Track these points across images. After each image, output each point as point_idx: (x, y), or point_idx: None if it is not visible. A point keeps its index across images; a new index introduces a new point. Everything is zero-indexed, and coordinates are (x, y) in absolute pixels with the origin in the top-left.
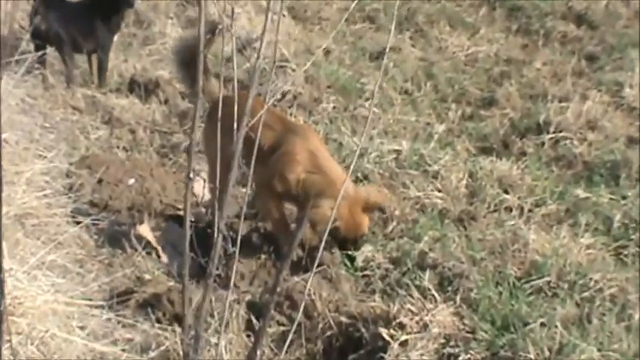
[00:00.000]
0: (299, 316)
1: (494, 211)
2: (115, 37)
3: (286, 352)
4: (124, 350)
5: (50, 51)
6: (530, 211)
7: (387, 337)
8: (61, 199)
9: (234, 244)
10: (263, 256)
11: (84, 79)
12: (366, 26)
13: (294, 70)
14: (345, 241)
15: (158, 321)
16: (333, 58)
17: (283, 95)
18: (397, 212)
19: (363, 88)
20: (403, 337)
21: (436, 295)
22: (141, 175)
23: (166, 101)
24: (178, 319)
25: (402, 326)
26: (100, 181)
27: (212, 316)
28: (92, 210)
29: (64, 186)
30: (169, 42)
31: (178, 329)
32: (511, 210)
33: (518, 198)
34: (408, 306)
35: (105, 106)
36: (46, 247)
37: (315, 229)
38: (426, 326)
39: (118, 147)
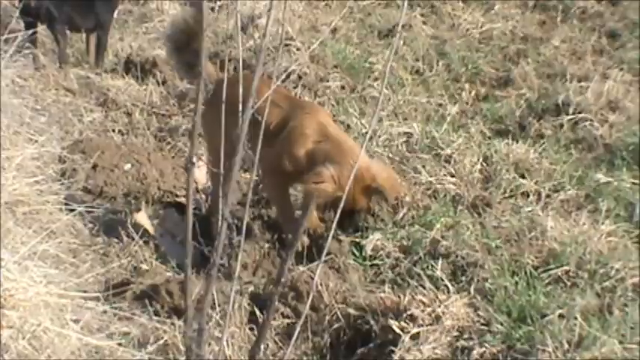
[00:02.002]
0: (306, 308)
1: (511, 196)
2: (115, 14)
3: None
4: (120, 344)
5: (41, 29)
6: (548, 196)
7: (398, 330)
8: (53, 185)
9: (238, 232)
10: (267, 245)
11: (77, 58)
12: (375, 2)
13: (298, 49)
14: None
15: (156, 313)
16: (340, 36)
17: (288, 75)
18: (408, 198)
19: (372, 68)
20: (414, 330)
21: (449, 285)
22: (137, 160)
23: (164, 82)
24: (177, 311)
25: (413, 318)
26: (94, 166)
27: (213, 308)
28: (86, 197)
29: (57, 172)
30: (167, 19)
31: (178, 322)
32: (528, 195)
33: (536, 183)
34: (420, 297)
35: (99, 87)
36: (38, 236)
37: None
38: (438, 318)
39: (113, 130)
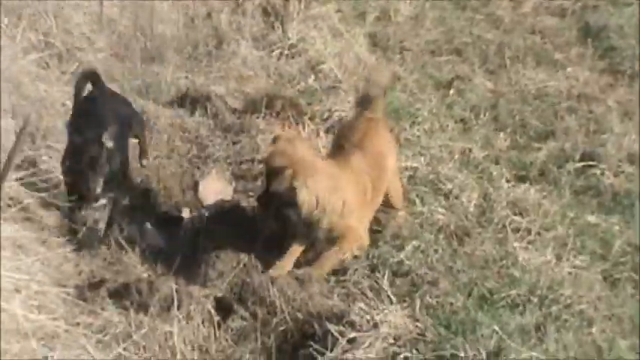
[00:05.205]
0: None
1: (500, 231)
2: None
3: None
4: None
5: None
6: (538, 234)
7: (336, 334)
8: None
9: None
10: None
11: None
12: (452, 59)
13: (345, 92)
14: None
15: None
16: (400, 84)
17: (329, 115)
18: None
19: (416, 114)
20: (352, 335)
21: (391, 296)
22: (147, 175)
23: (215, 115)
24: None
25: (352, 324)
26: None
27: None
28: None
29: None
30: (238, 61)
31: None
32: (518, 231)
33: (528, 221)
34: (361, 305)
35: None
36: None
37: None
38: (376, 325)
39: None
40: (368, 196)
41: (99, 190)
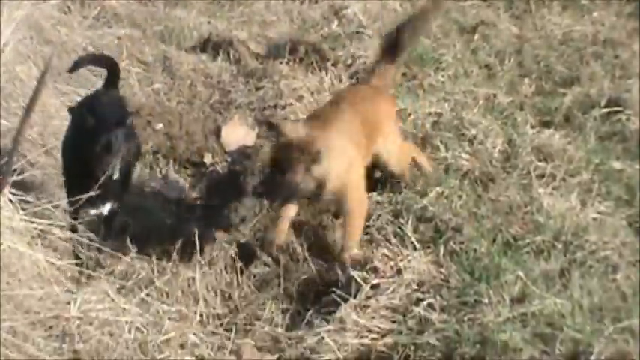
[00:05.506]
0: None
1: (524, 177)
2: None
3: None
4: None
5: None
6: (563, 180)
7: (360, 280)
8: None
9: None
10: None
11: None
12: (476, 3)
13: (370, 37)
14: None
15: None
16: None
17: (353, 61)
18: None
19: (440, 59)
20: (375, 281)
21: (415, 242)
22: (170, 121)
23: (237, 61)
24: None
25: (375, 270)
26: None
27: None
28: None
29: None
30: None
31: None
32: (543, 177)
33: (553, 167)
34: (385, 251)
35: (174, 61)
36: None
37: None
38: (399, 271)
39: (169, 100)
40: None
41: (117, 174)
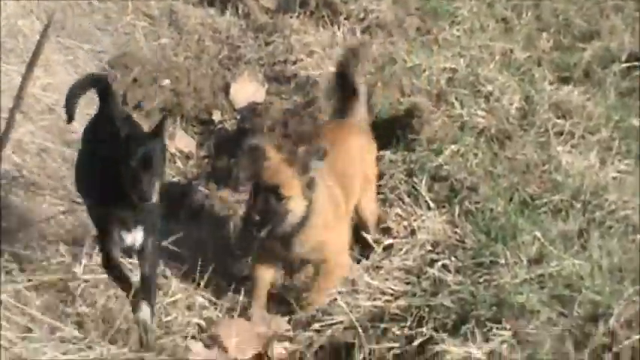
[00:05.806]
0: None
1: (542, 135)
2: None
3: None
4: None
5: None
6: (582, 137)
7: (371, 242)
8: None
9: None
10: None
11: None
12: None
13: None
14: None
15: None
16: None
17: (365, 15)
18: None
19: (455, 13)
20: (388, 242)
21: (429, 202)
22: (177, 77)
23: (246, 15)
24: None
25: (388, 230)
26: (134, 80)
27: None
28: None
29: None
30: None
31: None
32: (561, 134)
33: (571, 124)
34: (398, 210)
35: (180, 15)
36: None
37: None
38: (413, 232)
39: (176, 55)
40: (342, 210)
41: (155, 196)
